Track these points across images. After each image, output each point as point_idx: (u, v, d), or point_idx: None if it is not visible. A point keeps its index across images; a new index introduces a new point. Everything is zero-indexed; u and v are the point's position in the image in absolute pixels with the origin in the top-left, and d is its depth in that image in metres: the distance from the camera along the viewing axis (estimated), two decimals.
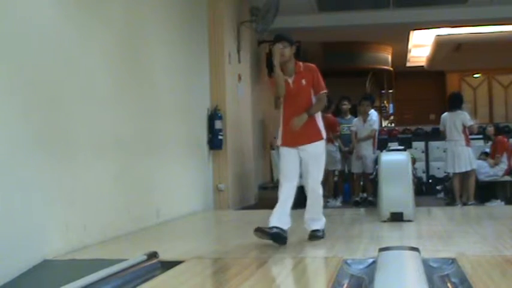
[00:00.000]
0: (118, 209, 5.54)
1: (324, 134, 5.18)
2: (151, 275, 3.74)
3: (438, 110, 15.18)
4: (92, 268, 3.57)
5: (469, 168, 8.50)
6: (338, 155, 9.11)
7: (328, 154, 9.26)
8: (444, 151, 9.00)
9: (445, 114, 8.74)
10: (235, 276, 3.75)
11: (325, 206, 8.71)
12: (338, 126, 9.10)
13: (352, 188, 9.22)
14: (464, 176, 8.58)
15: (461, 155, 8.48)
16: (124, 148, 5.82)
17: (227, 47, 9.02)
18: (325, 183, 9.64)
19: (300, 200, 7.52)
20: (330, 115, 9.57)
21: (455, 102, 8.77)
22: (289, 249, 4.74)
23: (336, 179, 9.47)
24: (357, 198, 8.93)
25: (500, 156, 9.16)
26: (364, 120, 8.74)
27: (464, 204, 8.47)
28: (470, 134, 8.68)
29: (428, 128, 13.56)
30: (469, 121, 8.55)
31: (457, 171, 8.55)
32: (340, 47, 14.85)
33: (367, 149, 8.73)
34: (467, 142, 8.51)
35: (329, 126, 9.17)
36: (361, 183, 9.11)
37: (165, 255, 4.17)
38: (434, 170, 12.19)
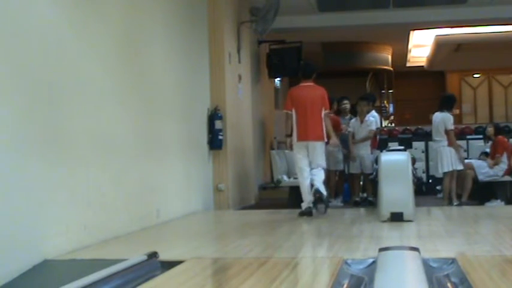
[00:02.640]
0: (118, 209, 5.54)
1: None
2: (151, 275, 3.74)
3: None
4: (92, 268, 3.57)
5: (450, 169, 8.49)
6: (340, 156, 9.11)
7: (331, 155, 9.31)
8: None
9: (435, 114, 8.75)
10: (235, 276, 3.75)
11: (326, 206, 8.75)
12: (341, 125, 9.09)
13: (352, 188, 9.21)
14: (460, 174, 8.62)
15: (444, 156, 8.49)
16: (124, 148, 5.82)
17: (227, 47, 9.02)
18: (327, 183, 9.67)
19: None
20: (332, 115, 9.57)
21: (444, 104, 8.78)
22: (289, 249, 4.75)
23: (336, 178, 9.46)
24: (357, 199, 8.92)
25: (500, 156, 9.15)
26: (362, 121, 8.72)
27: (463, 204, 8.48)
28: (461, 132, 8.68)
29: (428, 128, 13.46)
30: (450, 125, 8.52)
31: (440, 171, 8.59)
32: (340, 47, 14.86)
33: (364, 149, 8.70)
34: (450, 143, 8.50)
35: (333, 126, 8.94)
36: (361, 183, 9.10)
37: (165, 255, 4.16)
38: (434, 170, 12.18)
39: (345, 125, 9.06)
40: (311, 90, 7.26)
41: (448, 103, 8.80)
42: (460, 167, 8.60)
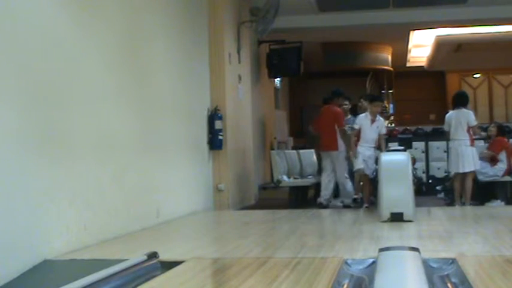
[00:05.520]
0: (118, 209, 5.54)
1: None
2: (151, 275, 3.74)
3: (438, 110, 15.19)
4: (92, 268, 3.57)
5: (472, 169, 8.45)
6: None
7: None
8: (445, 151, 8.93)
9: (450, 112, 8.59)
10: (235, 276, 3.75)
11: (327, 206, 8.75)
12: None
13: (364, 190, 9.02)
14: (464, 176, 8.56)
15: (465, 155, 8.40)
16: (124, 148, 5.82)
17: (227, 47, 9.02)
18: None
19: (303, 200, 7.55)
20: None
21: (460, 101, 8.68)
22: (289, 249, 4.75)
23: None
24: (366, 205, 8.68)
25: (497, 154, 9.13)
26: (373, 121, 8.13)
27: (463, 204, 8.46)
28: (474, 135, 8.61)
29: (428, 128, 13.55)
30: (474, 121, 8.47)
31: (460, 171, 8.47)
32: (340, 47, 14.85)
33: (372, 150, 8.34)
34: (472, 142, 8.47)
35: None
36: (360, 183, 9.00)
37: (165, 255, 4.17)
38: (434, 170, 12.17)
39: (347, 125, 8.91)
40: (327, 111, 8.83)
41: (464, 100, 8.73)
42: (478, 167, 8.58)
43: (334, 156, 8.62)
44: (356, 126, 8.16)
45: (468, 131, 8.40)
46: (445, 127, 8.64)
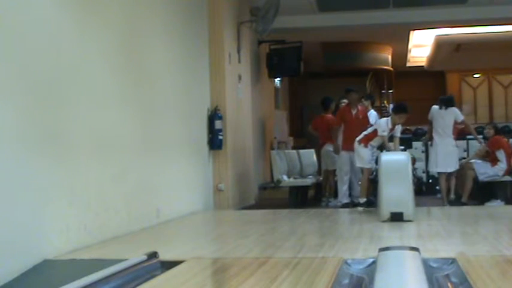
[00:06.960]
0: (118, 209, 5.54)
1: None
2: (151, 275, 3.74)
3: None
4: (92, 268, 3.57)
5: (457, 168, 8.60)
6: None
7: (327, 154, 9.34)
8: (431, 145, 9.06)
9: (436, 107, 8.80)
10: (235, 276, 3.75)
11: (327, 206, 8.76)
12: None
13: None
14: (461, 174, 8.63)
15: (453, 155, 8.54)
16: (124, 148, 5.82)
17: (227, 47, 9.02)
18: (325, 183, 9.67)
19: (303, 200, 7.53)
20: (329, 115, 9.58)
21: (448, 103, 8.84)
22: (289, 249, 4.75)
23: (335, 178, 9.46)
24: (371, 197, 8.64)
25: (493, 152, 9.16)
26: (391, 130, 7.77)
27: (463, 204, 8.48)
28: (461, 132, 8.73)
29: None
30: (461, 116, 8.62)
31: (448, 170, 8.60)
32: (340, 47, 14.85)
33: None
34: (474, 132, 8.67)
35: (329, 126, 9.31)
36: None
37: (165, 255, 4.17)
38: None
39: None
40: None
41: (449, 102, 8.86)
42: (457, 167, 8.71)
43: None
44: (385, 133, 7.74)
45: (454, 129, 8.57)
46: (430, 116, 8.95)
